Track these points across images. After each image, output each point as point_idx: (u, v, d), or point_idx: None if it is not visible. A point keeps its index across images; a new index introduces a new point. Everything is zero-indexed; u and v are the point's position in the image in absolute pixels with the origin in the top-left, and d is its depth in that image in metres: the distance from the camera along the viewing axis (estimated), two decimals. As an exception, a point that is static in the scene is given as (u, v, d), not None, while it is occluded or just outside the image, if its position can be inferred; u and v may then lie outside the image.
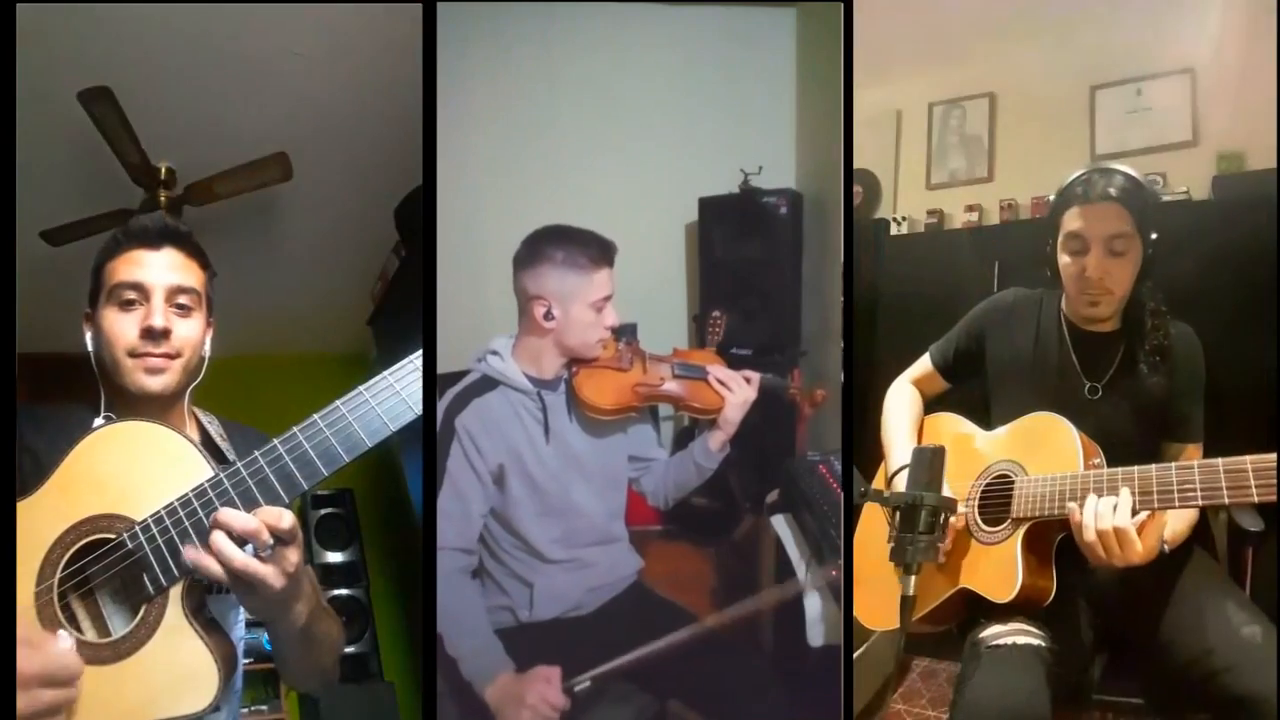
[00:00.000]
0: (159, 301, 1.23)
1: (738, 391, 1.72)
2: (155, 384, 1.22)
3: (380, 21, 2.44)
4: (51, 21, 2.27)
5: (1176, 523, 1.42)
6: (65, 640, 1.01)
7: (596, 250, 1.64)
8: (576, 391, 1.69)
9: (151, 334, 1.21)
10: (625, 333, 1.74)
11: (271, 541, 1.03)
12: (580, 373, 1.70)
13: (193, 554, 1.03)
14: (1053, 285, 1.61)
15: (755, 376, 1.74)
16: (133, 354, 1.22)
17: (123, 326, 1.22)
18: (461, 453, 1.59)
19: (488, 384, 1.65)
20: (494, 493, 1.65)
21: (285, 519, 1.03)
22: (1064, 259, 1.52)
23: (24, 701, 0.94)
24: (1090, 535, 1.31)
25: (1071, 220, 1.49)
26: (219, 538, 1.02)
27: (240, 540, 1.03)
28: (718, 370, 1.74)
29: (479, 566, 1.76)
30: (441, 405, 1.63)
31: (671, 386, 1.75)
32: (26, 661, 0.95)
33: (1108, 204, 1.46)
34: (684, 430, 2.94)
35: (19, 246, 1.44)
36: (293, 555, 1.05)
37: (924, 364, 1.78)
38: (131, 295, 1.23)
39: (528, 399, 1.66)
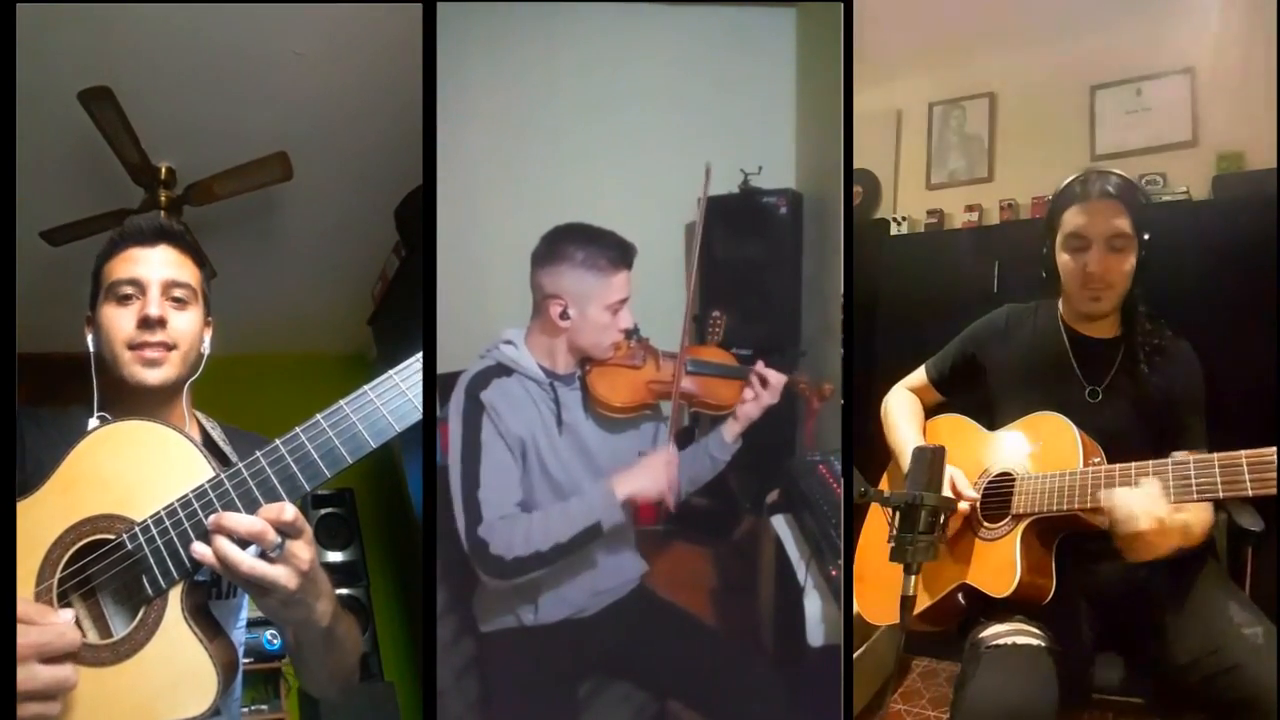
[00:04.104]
0: (155, 294, 1.24)
1: (771, 390, 1.72)
2: (153, 377, 1.23)
3: (380, 21, 2.44)
4: (51, 21, 2.27)
5: (1197, 518, 1.41)
6: (65, 614, 0.99)
7: (616, 253, 1.63)
8: (590, 389, 1.70)
9: (148, 323, 1.22)
10: (633, 331, 1.74)
11: (279, 540, 1.01)
12: (593, 370, 1.71)
13: (200, 550, 1.01)
14: (1049, 288, 1.61)
15: (782, 379, 1.74)
16: (131, 345, 1.23)
17: (121, 320, 1.24)
18: (493, 426, 1.59)
19: (502, 370, 1.65)
20: (521, 467, 1.64)
21: (286, 511, 1.02)
22: (1064, 258, 1.53)
23: (22, 676, 0.93)
24: (1143, 525, 1.28)
25: (1071, 219, 1.52)
26: (222, 542, 1.00)
27: (244, 543, 1.01)
28: (763, 370, 1.74)
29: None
30: (459, 386, 1.62)
31: (685, 383, 1.75)
32: (24, 636, 0.94)
33: (1106, 201, 1.49)
34: (684, 430, 2.94)
35: (19, 246, 1.44)
36: (303, 551, 1.04)
37: (919, 376, 1.80)
38: (128, 290, 1.25)
39: (541, 388, 1.66)
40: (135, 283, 1.25)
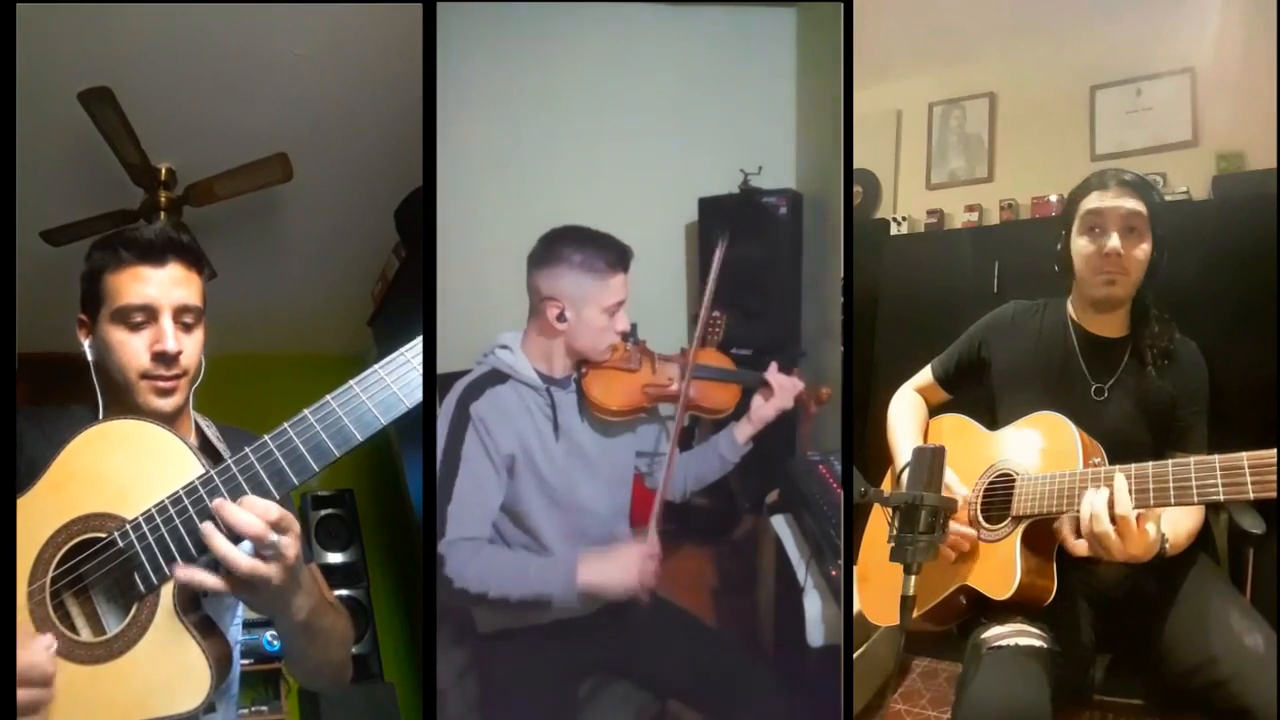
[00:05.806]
0: (168, 324, 1.23)
1: (785, 393, 1.75)
2: (167, 405, 1.24)
3: (380, 21, 2.44)
4: (51, 21, 2.27)
5: (1179, 527, 1.42)
6: (42, 642, 1.01)
7: (614, 255, 1.63)
8: (586, 392, 1.69)
9: (164, 358, 1.22)
10: (629, 334, 1.74)
11: (274, 539, 1.03)
12: (589, 373, 1.70)
13: (184, 573, 1.03)
14: (1060, 284, 1.61)
15: (798, 384, 1.76)
16: (145, 376, 1.22)
17: (133, 349, 1.22)
18: (478, 440, 1.57)
19: (498, 377, 1.64)
20: (507, 483, 1.63)
21: (271, 511, 1.03)
22: (1081, 242, 1.54)
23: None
24: (1093, 530, 1.29)
25: (1090, 202, 1.53)
26: (221, 543, 1.02)
27: (236, 539, 1.03)
28: (777, 375, 1.76)
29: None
30: (452, 394, 1.62)
31: (680, 387, 1.74)
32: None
33: (1125, 189, 1.51)
34: (684, 431, 2.94)
35: (19, 246, 1.44)
36: (289, 549, 1.05)
37: (925, 376, 1.80)
38: (140, 317, 1.22)
39: (537, 394, 1.66)
40: (147, 309, 1.22)
